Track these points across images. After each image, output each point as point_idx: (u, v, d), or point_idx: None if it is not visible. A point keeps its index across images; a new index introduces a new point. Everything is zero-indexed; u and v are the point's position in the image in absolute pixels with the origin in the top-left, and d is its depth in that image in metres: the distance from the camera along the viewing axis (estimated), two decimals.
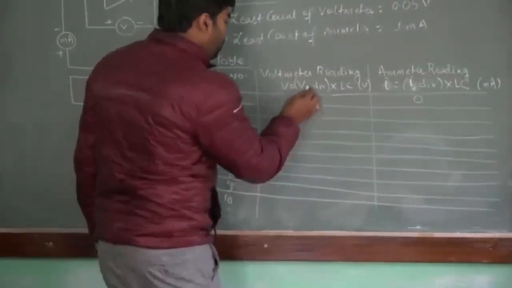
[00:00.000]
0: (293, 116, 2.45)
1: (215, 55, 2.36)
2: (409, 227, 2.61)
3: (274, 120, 2.44)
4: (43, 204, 2.72)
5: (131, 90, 2.18)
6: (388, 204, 2.60)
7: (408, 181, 2.57)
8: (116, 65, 2.26)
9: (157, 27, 2.27)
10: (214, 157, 2.23)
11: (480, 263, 2.60)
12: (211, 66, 2.32)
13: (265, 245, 2.67)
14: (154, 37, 2.26)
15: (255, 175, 2.28)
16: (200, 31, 2.24)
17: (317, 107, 2.54)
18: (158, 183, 2.19)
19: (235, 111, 2.18)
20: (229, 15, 2.32)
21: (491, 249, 2.58)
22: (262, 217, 2.67)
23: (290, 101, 2.51)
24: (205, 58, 2.27)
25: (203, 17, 2.23)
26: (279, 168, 2.32)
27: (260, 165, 2.25)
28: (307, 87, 2.56)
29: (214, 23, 2.26)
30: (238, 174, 2.27)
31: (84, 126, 2.35)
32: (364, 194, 2.60)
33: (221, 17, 2.28)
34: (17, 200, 2.76)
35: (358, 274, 2.68)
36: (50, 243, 2.76)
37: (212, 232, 2.33)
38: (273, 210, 2.66)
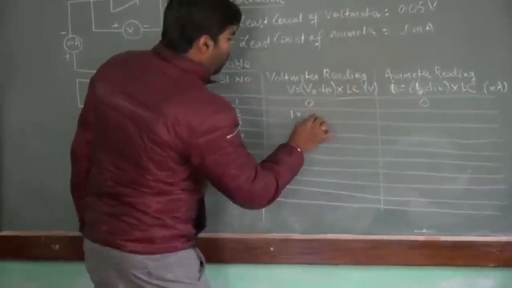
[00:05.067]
0: (297, 144, 2.44)
1: (217, 71, 2.36)
2: (415, 231, 2.60)
3: (278, 148, 2.45)
4: (50, 207, 2.72)
5: (132, 104, 2.19)
6: (395, 208, 2.59)
7: (414, 184, 2.57)
8: (122, 72, 2.27)
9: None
10: (207, 178, 2.25)
11: (486, 266, 2.59)
12: (211, 82, 2.32)
13: (272, 248, 2.67)
14: (157, 52, 2.25)
15: (247, 200, 2.28)
16: (200, 52, 2.23)
17: (324, 129, 2.52)
18: (146, 194, 2.22)
19: (229, 136, 2.17)
20: (233, 33, 2.30)
21: (497, 252, 2.57)
22: (268, 220, 2.67)
23: (294, 129, 2.51)
24: (205, 76, 2.27)
25: (203, 39, 2.21)
26: (275, 195, 2.31)
27: (252, 191, 2.24)
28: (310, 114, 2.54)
29: (216, 43, 2.24)
30: (231, 198, 2.28)
31: (83, 122, 2.38)
32: (370, 198, 2.60)
33: (224, 37, 2.26)
34: (24, 203, 2.77)
35: (365, 277, 2.68)
36: (57, 246, 2.76)
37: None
38: (279, 213, 2.65)
